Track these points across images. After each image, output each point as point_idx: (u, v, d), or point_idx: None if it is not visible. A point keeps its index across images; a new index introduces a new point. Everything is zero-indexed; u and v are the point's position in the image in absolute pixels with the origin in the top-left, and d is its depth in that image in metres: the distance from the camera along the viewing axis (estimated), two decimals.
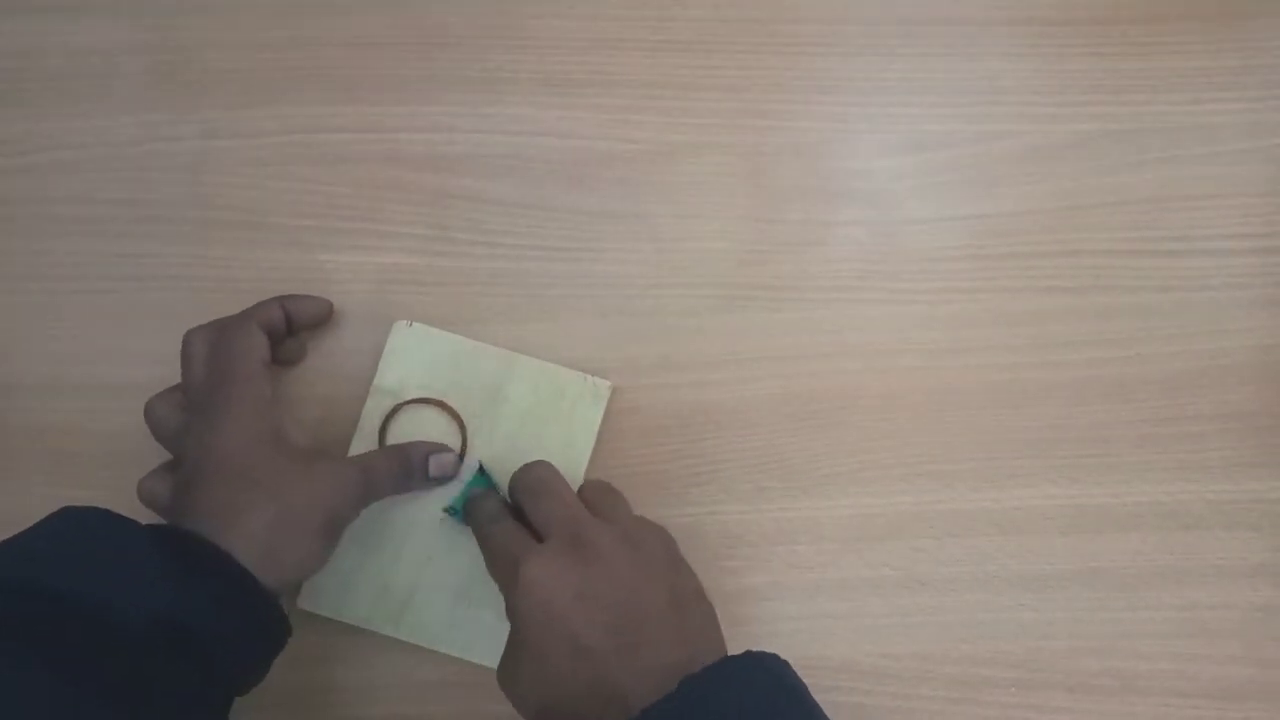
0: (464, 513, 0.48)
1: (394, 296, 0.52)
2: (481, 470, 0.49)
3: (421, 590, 0.49)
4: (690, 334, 0.52)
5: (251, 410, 0.44)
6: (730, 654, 0.39)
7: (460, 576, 0.49)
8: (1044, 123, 0.54)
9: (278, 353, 0.48)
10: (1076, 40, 0.55)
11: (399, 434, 0.50)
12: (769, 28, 0.55)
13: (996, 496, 0.51)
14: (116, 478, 0.47)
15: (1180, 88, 0.55)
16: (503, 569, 0.43)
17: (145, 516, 0.42)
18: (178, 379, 0.47)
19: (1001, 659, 0.50)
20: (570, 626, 0.39)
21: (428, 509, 0.49)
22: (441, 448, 0.49)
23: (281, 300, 0.49)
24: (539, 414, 0.50)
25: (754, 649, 0.39)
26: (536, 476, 0.46)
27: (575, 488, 0.48)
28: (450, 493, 0.49)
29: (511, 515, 0.46)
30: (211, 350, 0.46)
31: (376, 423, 0.50)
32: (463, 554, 0.49)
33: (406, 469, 0.47)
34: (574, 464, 0.50)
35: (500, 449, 0.50)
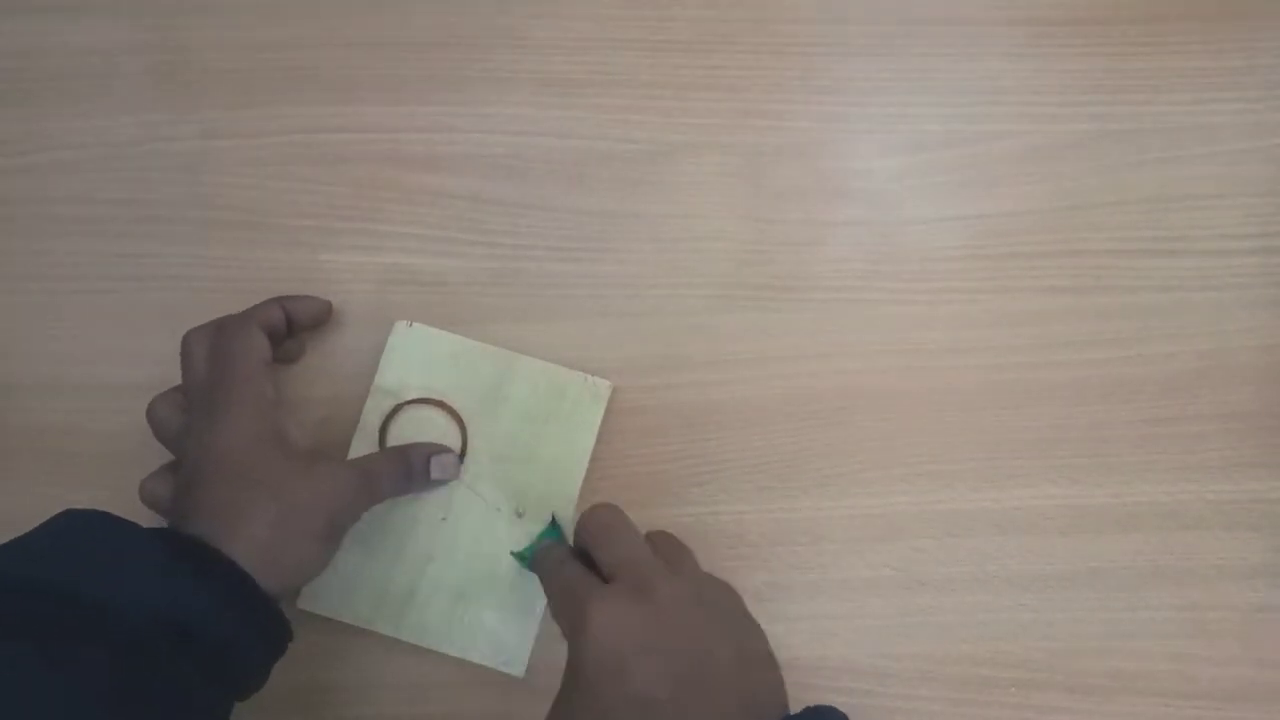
0: (533, 561, 0.46)
1: (394, 296, 0.52)
2: (554, 522, 0.48)
3: (422, 590, 0.49)
4: (690, 334, 0.52)
5: (253, 411, 0.44)
6: (792, 712, 0.38)
7: (460, 576, 0.49)
8: (1044, 123, 0.54)
9: (276, 352, 0.48)
10: (1076, 40, 0.55)
11: (399, 434, 0.50)
12: (769, 28, 0.55)
13: (996, 496, 0.51)
14: (116, 478, 0.47)
15: (1180, 88, 0.55)
16: (567, 609, 0.41)
17: (146, 517, 0.42)
18: (178, 379, 0.47)
19: (1001, 659, 0.50)
20: (636, 681, 0.37)
21: (429, 509, 0.49)
22: (443, 449, 0.49)
23: (281, 300, 0.49)
24: (539, 414, 0.50)
25: (815, 705, 0.38)
26: (603, 520, 0.44)
27: (590, 498, 0.47)
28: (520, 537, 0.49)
29: (578, 559, 0.44)
30: (212, 350, 0.46)
31: (377, 423, 0.50)
32: (463, 554, 0.49)
33: (408, 471, 0.47)
34: (574, 464, 0.50)
35: (500, 449, 0.50)
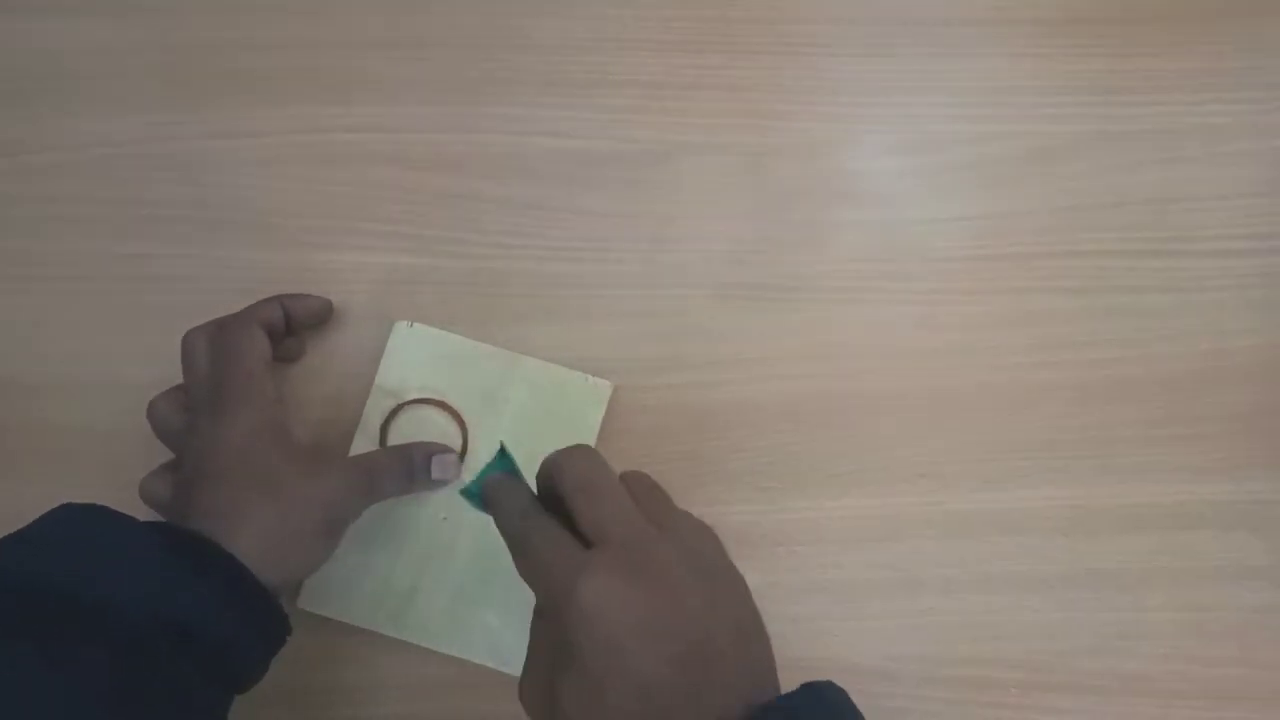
0: (484, 499, 0.41)
1: (394, 296, 0.52)
2: (503, 451, 0.42)
3: (422, 590, 0.49)
4: (691, 334, 0.52)
5: (254, 408, 0.44)
6: (786, 690, 0.36)
7: (461, 576, 0.49)
8: (1044, 123, 0.54)
9: (277, 351, 0.48)
10: (1076, 40, 0.55)
11: (400, 434, 0.50)
12: (771, 28, 0.55)
13: (996, 496, 0.51)
14: (116, 478, 0.47)
15: (1180, 88, 0.55)
16: (544, 577, 0.37)
17: (146, 516, 0.41)
18: (178, 379, 0.47)
19: (1002, 659, 0.50)
20: (636, 663, 0.34)
21: (429, 509, 0.49)
22: (444, 448, 0.49)
23: (281, 299, 0.49)
24: (540, 414, 0.50)
25: (809, 681, 0.37)
26: (583, 474, 0.39)
27: None
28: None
29: (543, 508, 0.40)
30: (212, 349, 0.46)
31: (378, 423, 0.50)
32: (464, 554, 0.49)
33: (409, 470, 0.47)
34: None
35: None
